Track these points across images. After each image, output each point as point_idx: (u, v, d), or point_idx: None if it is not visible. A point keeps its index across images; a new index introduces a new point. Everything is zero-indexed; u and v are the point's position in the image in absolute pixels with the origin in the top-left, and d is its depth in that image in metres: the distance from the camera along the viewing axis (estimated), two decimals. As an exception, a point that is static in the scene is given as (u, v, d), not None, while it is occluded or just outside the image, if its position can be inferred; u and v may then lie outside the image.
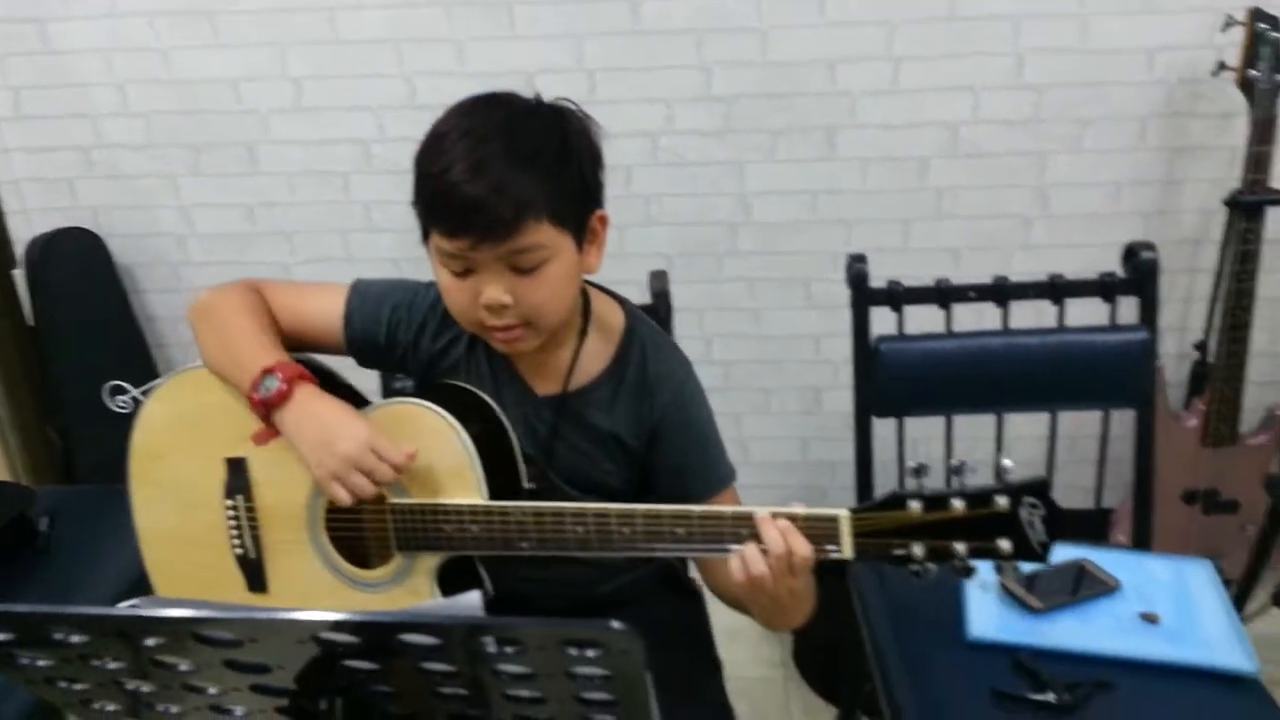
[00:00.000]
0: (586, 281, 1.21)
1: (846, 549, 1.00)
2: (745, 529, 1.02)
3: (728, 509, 1.04)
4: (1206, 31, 2.02)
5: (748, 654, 2.24)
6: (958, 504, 0.96)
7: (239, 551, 1.26)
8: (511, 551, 1.12)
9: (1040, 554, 0.97)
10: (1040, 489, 0.96)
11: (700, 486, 1.21)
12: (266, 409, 1.15)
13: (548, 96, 1.12)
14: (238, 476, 1.24)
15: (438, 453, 1.14)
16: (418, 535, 1.15)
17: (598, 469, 1.22)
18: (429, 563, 1.17)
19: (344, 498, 1.11)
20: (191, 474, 1.26)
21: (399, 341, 1.25)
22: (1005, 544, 0.96)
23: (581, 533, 1.08)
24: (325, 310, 1.26)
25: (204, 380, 1.27)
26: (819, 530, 1.00)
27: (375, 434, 1.10)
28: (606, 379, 1.20)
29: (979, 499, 0.96)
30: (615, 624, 0.68)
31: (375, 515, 1.18)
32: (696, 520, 1.05)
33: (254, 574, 1.26)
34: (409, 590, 1.19)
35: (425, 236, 1.11)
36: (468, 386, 1.21)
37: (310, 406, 1.14)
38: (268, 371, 1.14)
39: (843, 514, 0.99)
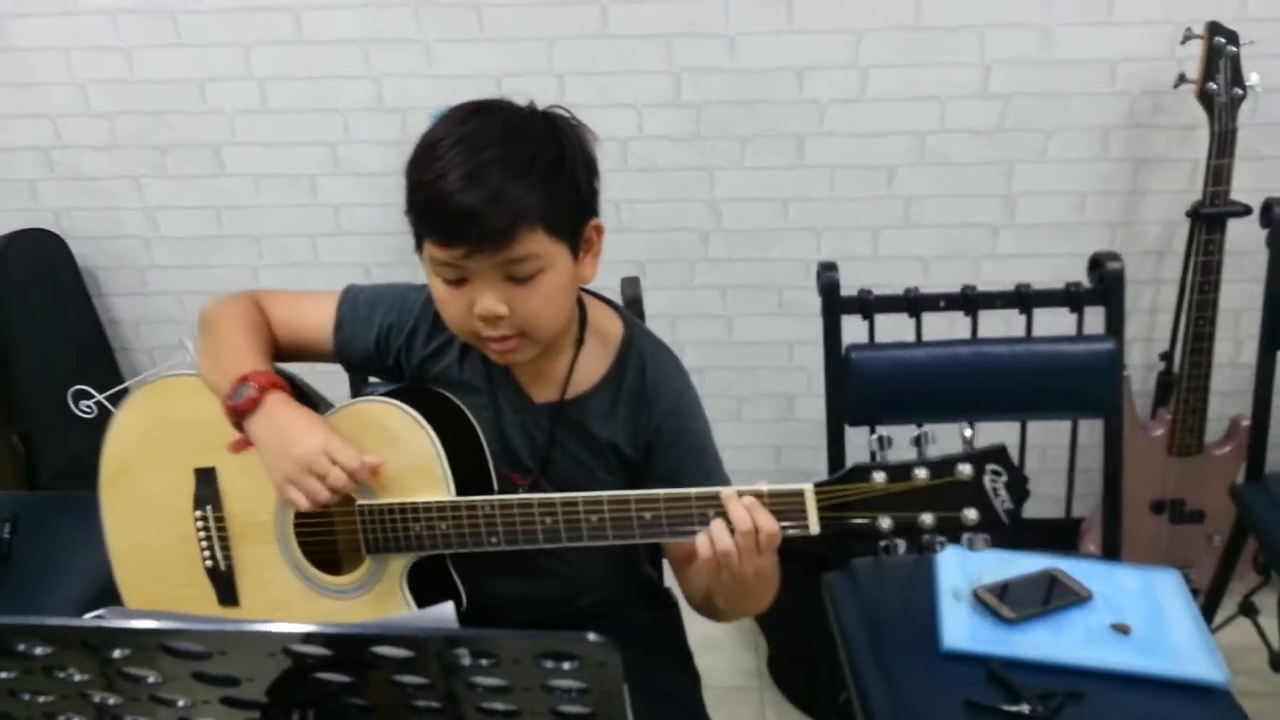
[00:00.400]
0: (583, 290, 1.21)
1: (813, 524, 1.00)
2: (712, 509, 1.03)
3: (693, 490, 1.04)
4: (1167, 44, 2.05)
5: (724, 664, 2.24)
6: (921, 473, 0.96)
7: (209, 564, 1.24)
8: (481, 548, 1.12)
9: (1006, 522, 0.97)
10: (1001, 455, 0.96)
11: None
12: (238, 416, 1.14)
13: (541, 104, 1.12)
14: (205, 487, 1.23)
15: (405, 451, 1.13)
16: (387, 536, 1.15)
17: (594, 478, 1.21)
18: (399, 564, 1.16)
19: (299, 502, 1.10)
20: (160, 487, 1.25)
21: (391, 347, 1.25)
22: (971, 513, 0.96)
23: (550, 523, 1.08)
24: (317, 319, 1.26)
25: (174, 391, 1.26)
26: (784, 506, 1.01)
27: (332, 439, 1.10)
28: (604, 387, 1.19)
29: (942, 467, 0.96)
30: (592, 636, 0.67)
31: (344, 519, 1.18)
32: (663, 503, 1.04)
33: (224, 587, 1.24)
34: (380, 594, 1.18)
35: (418, 245, 1.10)
36: (439, 391, 1.21)
37: (276, 414, 1.14)
38: (243, 380, 1.14)
39: (808, 488, 1.00)
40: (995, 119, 2.16)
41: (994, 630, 1.40)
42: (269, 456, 1.12)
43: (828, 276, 1.59)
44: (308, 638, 0.69)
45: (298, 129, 2.24)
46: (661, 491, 1.05)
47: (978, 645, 1.37)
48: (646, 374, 1.20)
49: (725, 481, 1.22)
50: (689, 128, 2.19)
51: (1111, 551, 1.62)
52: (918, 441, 0.98)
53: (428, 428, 1.13)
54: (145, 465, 1.26)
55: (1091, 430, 1.67)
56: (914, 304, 1.60)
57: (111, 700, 0.80)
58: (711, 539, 1.01)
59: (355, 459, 1.09)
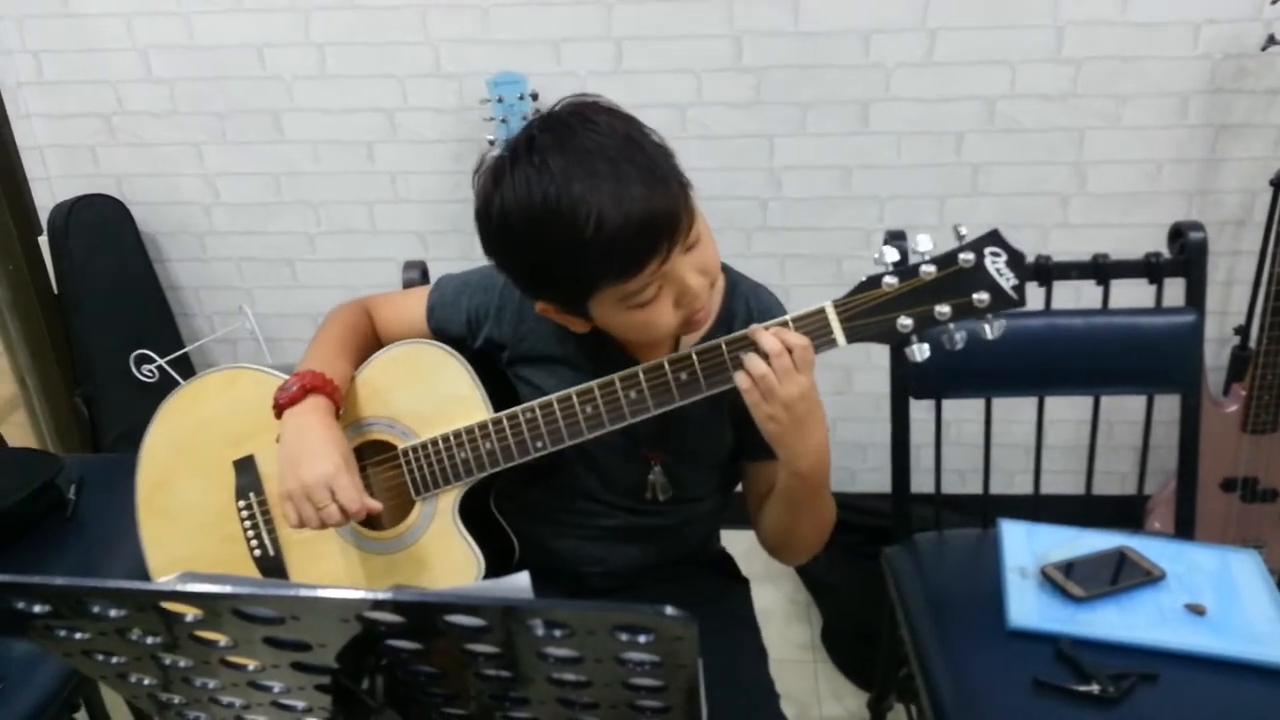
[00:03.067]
0: None
1: (839, 336, 1.04)
2: (743, 350, 1.05)
3: (722, 338, 1.07)
4: (1254, 4, 1.97)
5: (777, 637, 2.23)
6: (928, 269, 1.01)
7: (257, 553, 1.26)
8: (528, 456, 1.14)
9: (1016, 298, 1.02)
10: (996, 238, 1.01)
11: None
12: (278, 408, 1.18)
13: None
14: (246, 474, 1.25)
15: (439, 384, 1.18)
16: (434, 471, 1.18)
17: (706, 428, 1.21)
18: (449, 499, 1.19)
19: (291, 519, 1.13)
20: (199, 491, 1.27)
21: (482, 326, 1.25)
22: (983, 295, 1.01)
23: (591, 411, 1.11)
24: (415, 313, 1.29)
25: (203, 392, 1.28)
26: (809, 325, 1.05)
27: (340, 475, 1.12)
28: (715, 332, 1.18)
29: (946, 259, 1.01)
30: (670, 609, 0.65)
31: (386, 474, 1.21)
32: (696, 358, 1.07)
33: (275, 573, 1.26)
34: (436, 534, 1.21)
35: (581, 305, 1.06)
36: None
37: (306, 419, 1.16)
38: (297, 375, 1.18)
39: (827, 305, 1.05)
40: (1068, 84, 2.09)
41: (1062, 608, 1.36)
42: (283, 463, 1.15)
43: (895, 245, 1.54)
44: (381, 605, 0.68)
45: (355, 95, 2.23)
46: (693, 348, 1.07)
47: (1045, 623, 1.34)
48: (752, 310, 1.20)
49: None
50: (749, 93, 2.15)
51: (1185, 530, 1.58)
52: (898, 236, 1.08)
53: (458, 356, 1.18)
54: (181, 474, 1.28)
55: (1160, 406, 1.62)
56: (984, 274, 1.55)
57: (182, 663, 0.81)
58: (748, 367, 1.03)
59: (355, 501, 1.12)
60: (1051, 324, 1.52)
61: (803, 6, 2.07)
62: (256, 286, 2.46)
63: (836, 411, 2.45)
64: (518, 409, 1.14)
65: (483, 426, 1.15)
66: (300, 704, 0.86)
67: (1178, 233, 1.53)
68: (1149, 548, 1.44)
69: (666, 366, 1.07)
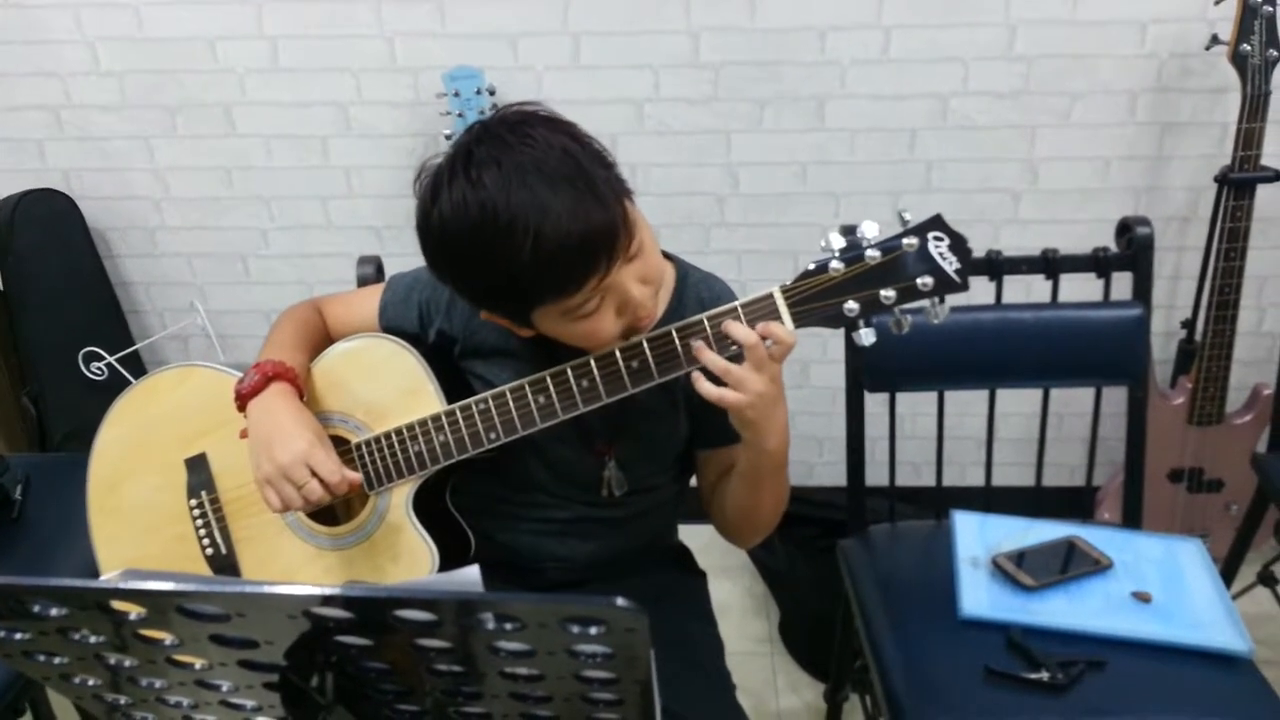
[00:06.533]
0: None
1: (787, 320, 1.04)
2: (694, 337, 1.05)
3: (673, 324, 1.06)
4: (1199, 4, 2.01)
5: (734, 630, 2.24)
6: (873, 254, 1.02)
7: (209, 552, 1.25)
8: (481, 448, 1.14)
9: (959, 281, 1.03)
10: (939, 223, 1.03)
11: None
12: (240, 400, 1.17)
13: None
14: (198, 474, 1.25)
15: (392, 377, 1.18)
16: (388, 465, 1.18)
17: (661, 421, 1.21)
18: (402, 493, 1.19)
19: (274, 504, 1.13)
20: (151, 490, 1.26)
21: (432, 320, 1.25)
22: (926, 280, 1.02)
23: (543, 401, 1.11)
24: (367, 311, 1.29)
25: (155, 390, 1.27)
26: (758, 311, 1.04)
27: (315, 450, 1.11)
28: (667, 322, 1.16)
29: (889, 244, 1.02)
30: (620, 601, 0.65)
31: (345, 459, 1.19)
32: (648, 345, 1.07)
33: (228, 571, 1.25)
34: (389, 529, 1.20)
35: (524, 317, 1.06)
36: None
37: (273, 403, 1.15)
38: (256, 366, 1.17)
39: (775, 290, 1.05)
40: (1019, 81, 2.11)
41: (1013, 597, 1.39)
42: (255, 449, 1.14)
43: (842, 233, 1.55)
44: (328, 600, 0.67)
45: (309, 89, 2.21)
46: (644, 335, 1.07)
47: (997, 612, 1.36)
48: (704, 298, 1.20)
49: None
50: (707, 89, 2.16)
51: (1132, 520, 1.61)
52: (849, 230, 1.05)
53: (411, 349, 1.18)
54: (133, 473, 1.27)
55: (1108, 398, 1.64)
56: (936, 269, 1.57)
57: (127, 662, 0.79)
58: (713, 365, 1.03)
59: (335, 473, 1.11)
60: (1003, 318, 1.54)
61: (760, 3, 2.08)
62: (208, 283, 2.43)
63: (794, 405, 2.45)
64: (470, 400, 1.14)
65: (435, 419, 1.15)
66: (249, 703, 0.85)
67: (1125, 228, 1.56)
68: (1097, 537, 1.47)
69: (618, 354, 1.07)
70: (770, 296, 1.05)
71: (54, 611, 0.72)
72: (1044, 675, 1.27)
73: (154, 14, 2.16)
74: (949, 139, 2.17)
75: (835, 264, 1.03)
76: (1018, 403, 1.88)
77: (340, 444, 1.20)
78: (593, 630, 0.68)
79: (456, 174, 0.99)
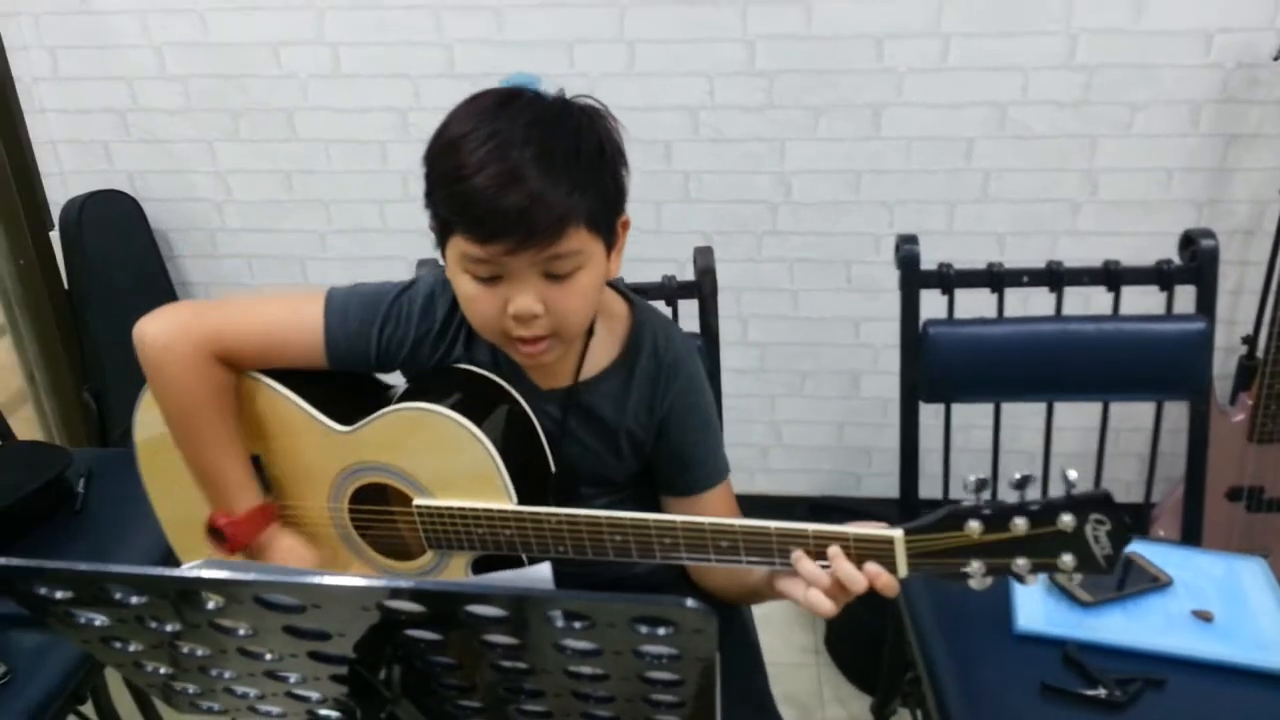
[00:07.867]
0: None
1: (901, 568, 0.95)
2: (793, 544, 0.98)
3: (772, 525, 0.98)
4: (1268, 14, 1.98)
5: (780, 640, 2.23)
6: (1020, 522, 0.90)
7: None
8: (549, 555, 1.07)
9: (1105, 568, 0.91)
10: (1106, 502, 0.90)
11: (701, 476, 1.20)
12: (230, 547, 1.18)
13: (571, 92, 1.07)
14: (259, 470, 1.22)
15: (459, 459, 1.08)
16: (449, 536, 1.11)
17: (603, 463, 1.19)
18: (463, 559, 1.15)
19: None
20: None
21: (395, 358, 1.19)
22: (1068, 559, 0.91)
23: (619, 541, 1.04)
24: (302, 347, 1.17)
25: None
26: (873, 550, 0.95)
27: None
28: (617, 370, 1.17)
29: (1042, 515, 0.90)
30: (691, 602, 0.66)
31: (406, 514, 1.14)
32: (740, 534, 0.99)
33: None
34: (447, 576, 1.17)
35: (442, 239, 1.05)
36: (477, 370, 1.16)
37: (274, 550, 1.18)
38: (221, 526, 1.17)
39: (898, 535, 0.94)
40: (1079, 91, 2.09)
41: (1069, 613, 1.37)
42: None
43: (907, 250, 1.55)
44: (403, 593, 0.68)
45: (369, 95, 2.24)
46: (738, 523, 1.00)
47: (1053, 628, 1.34)
48: (660, 354, 1.17)
49: (726, 463, 1.22)
50: (761, 97, 2.16)
51: (1192, 537, 1.58)
52: (1019, 485, 0.91)
53: (484, 439, 1.06)
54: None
55: (1167, 414, 1.62)
56: (996, 279, 1.56)
57: (200, 651, 0.81)
58: (808, 587, 0.97)
59: None
60: (1062, 329, 1.53)
61: (816, 11, 2.08)
62: (267, 284, 2.47)
63: (843, 416, 2.46)
64: (543, 514, 1.06)
65: (504, 516, 1.08)
66: (315, 694, 0.86)
67: (1189, 240, 1.53)
68: (1156, 554, 1.45)
69: (707, 530, 1.01)
70: (890, 542, 0.95)
71: (134, 599, 0.74)
72: (1101, 692, 1.25)
73: (219, 20, 2.20)
74: (1007, 148, 2.15)
75: (973, 523, 0.92)
76: (1073, 417, 1.86)
77: (386, 493, 1.15)
78: (660, 631, 0.68)
79: (480, 99, 1.03)
